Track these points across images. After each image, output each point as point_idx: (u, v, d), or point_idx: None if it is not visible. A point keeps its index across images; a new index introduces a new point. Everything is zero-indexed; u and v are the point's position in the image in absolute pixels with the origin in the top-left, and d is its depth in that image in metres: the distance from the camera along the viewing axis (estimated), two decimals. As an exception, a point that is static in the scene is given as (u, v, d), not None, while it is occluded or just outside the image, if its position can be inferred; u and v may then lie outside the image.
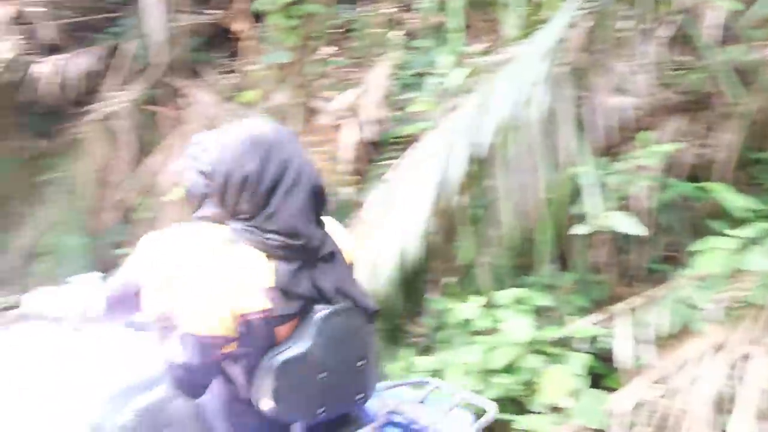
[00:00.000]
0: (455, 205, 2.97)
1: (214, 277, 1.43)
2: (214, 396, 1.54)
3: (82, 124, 6.09)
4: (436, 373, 2.79)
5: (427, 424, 1.66)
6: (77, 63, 5.40)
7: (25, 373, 1.91)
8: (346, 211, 4.00)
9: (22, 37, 5.54)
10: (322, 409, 1.52)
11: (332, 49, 5.04)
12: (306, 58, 4.23)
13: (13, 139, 7.30)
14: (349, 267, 1.66)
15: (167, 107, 5.57)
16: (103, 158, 5.87)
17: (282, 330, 1.48)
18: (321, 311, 1.50)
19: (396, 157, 4.10)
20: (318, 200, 1.53)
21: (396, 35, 4.80)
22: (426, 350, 3.16)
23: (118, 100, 5.51)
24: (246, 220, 1.49)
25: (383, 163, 4.07)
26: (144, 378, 1.77)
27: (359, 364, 1.58)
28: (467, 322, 2.84)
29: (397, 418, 1.70)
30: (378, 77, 4.26)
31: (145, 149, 5.95)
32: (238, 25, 4.10)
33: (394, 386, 1.85)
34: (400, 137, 4.12)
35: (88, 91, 5.78)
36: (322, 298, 1.52)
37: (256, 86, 4.24)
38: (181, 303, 1.46)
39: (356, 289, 1.61)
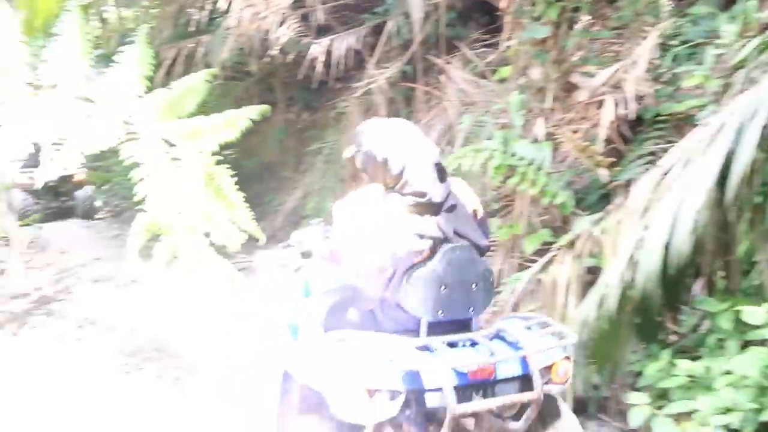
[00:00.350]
0: (735, 195, 2.61)
1: (377, 229, 2.19)
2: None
3: (345, 99, 6.57)
4: (700, 380, 2.51)
5: (522, 342, 2.20)
6: (343, 42, 5.79)
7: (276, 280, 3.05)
8: (604, 194, 3.77)
9: (297, 20, 6.08)
10: (441, 312, 2.22)
11: (592, 21, 4.73)
12: (565, 31, 4.02)
13: (285, 113, 8.16)
14: (470, 215, 2.34)
15: (424, 83, 5.74)
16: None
17: (418, 259, 2.21)
18: (447, 246, 2.21)
19: (661, 137, 3.75)
20: (437, 170, 2.24)
21: (666, 2, 4.34)
22: (684, 351, 2.87)
23: (377, 76, 5.79)
24: (391, 188, 2.24)
25: (646, 143, 3.75)
26: (337, 288, 2.61)
27: (473, 286, 2.26)
28: (744, 328, 2.50)
29: (502, 335, 2.29)
30: (644, 49, 3.89)
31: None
32: (502, 2, 4.00)
33: (510, 317, 2.50)
34: (668, 115, 3.74)
35: (351, 68, 6.21)
36: (446, 238, 2.22)
37: (512, 62, 4.15)
38: (358, 245, 2.24)
39: (472, 231, 2.31)
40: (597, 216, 3.06)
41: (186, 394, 3.86)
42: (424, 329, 2.21)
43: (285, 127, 7.99)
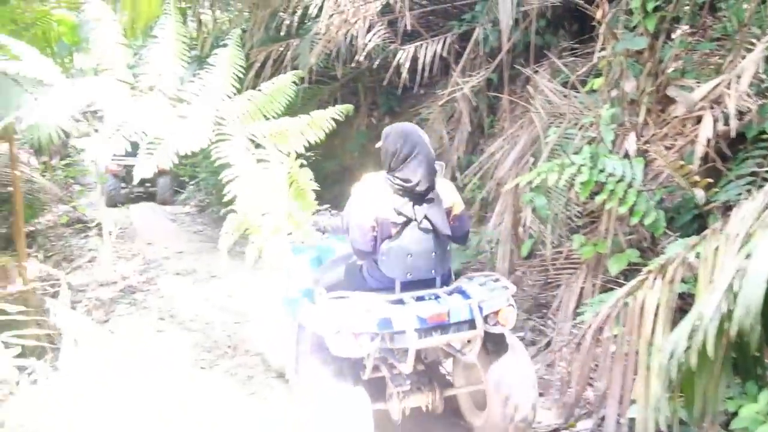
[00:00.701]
0: None
1: (369, 201, 2.97)
2: (365, 261, 3.12)
3: (428, 106, 6.53)
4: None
5: (473, 295, 2.97)
6: (429, 49, 5.76)
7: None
8: (698, 215, 3.56)
9: (384, 26, 6.10)
10: (409, 273, 3.00)
11: (692, 31, 4.50)
12: (663, 42, 3.83)
13: (367, 117, 8.21)
14: (444, 210, 3.03)
15: (510, 92, 5.63)
16: (444, 138, 6.22)
17: (393, 231, 2.95)
18: (410, 225, 2.95)
19: (764, 157, 3.50)
20: (428, 166, 2.94)
21: (776, 11, 4.07)
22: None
23: (462, 84, 5.72)
24: (390, 172, 2.99)
25: (747, 163, 3.51)
26: (339, 258, 3.45)
27: (432, 254, 3.01)
28: None
29: (461, 290, 3.04)
30: (749, 62, 3.65)
31: (486, 132, 6.12)
32: (598, 12, 3.84)
33: (471, 277, 3.19)
34: (773, 134, 3.50)
35: (436, 75, 6.16)
36: (416, 219, 2.95)
37: (604, 73, 3.98)
38: (355, 214, 2.99)
39: (440, 221, 2.99)
40: (692, 240, 2.87)
41: (255, 393, 3.91)
42: (398, 287, 3.01)
43: (366, 131, 8.04)
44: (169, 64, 2.70)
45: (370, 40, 5.88)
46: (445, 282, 3.14)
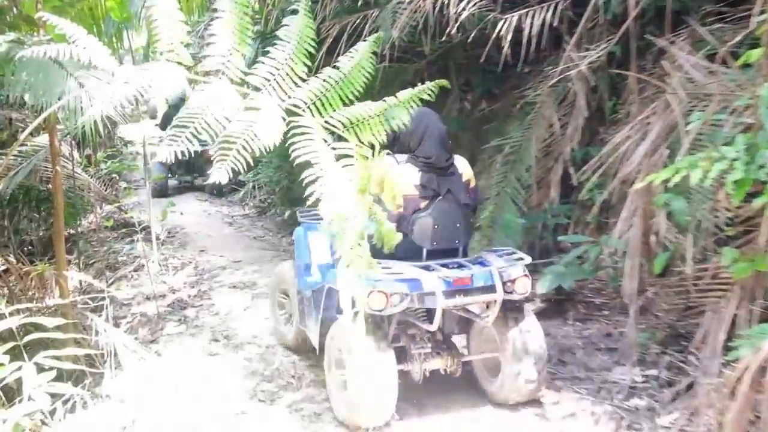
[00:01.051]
0: None
1: (397, 179, 4.05)
2: None
3: (534, 87, 6.41)
4: None
5: (494, 263, 3.95)
6: (537, 18, 5.64)
7: None
8: None
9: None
10: (435, 243, 4.05)
11: None
12: None
13: (459, 101, 8.14)
14: (463, 182, 4.18)
15: (638, 69, 5.46)
16: (554, 126, 6.09)
17: (422, 204, 4.05)
18: (437, 199, 4.05)
19: None
20: (443, 144, 4.13)
21: None
22: None
23: (577, 60, 5.58)
24: (412, 152, 4.14)
25: None
26: None
27: (457, 225, 4.09)
28: None
29: (481, 260, 4.08)
30: None
31: (608, 119, 5.96)
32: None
33: (489, 250, 4.29)
34: None
35: (545, 49, 6.05)
36: (441, 193, 4.05)
37: (764, 43, 3.78)
38: (386, 189, 4.04)
39: (461, 193, 4.13)
40: None
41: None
42: (424, 254, 4.02)
43: (459, 117, 7.98)
44: (232, 44, 2.74)
45: (463, 9, 5.80)
46: (466, 254, 4.18)
